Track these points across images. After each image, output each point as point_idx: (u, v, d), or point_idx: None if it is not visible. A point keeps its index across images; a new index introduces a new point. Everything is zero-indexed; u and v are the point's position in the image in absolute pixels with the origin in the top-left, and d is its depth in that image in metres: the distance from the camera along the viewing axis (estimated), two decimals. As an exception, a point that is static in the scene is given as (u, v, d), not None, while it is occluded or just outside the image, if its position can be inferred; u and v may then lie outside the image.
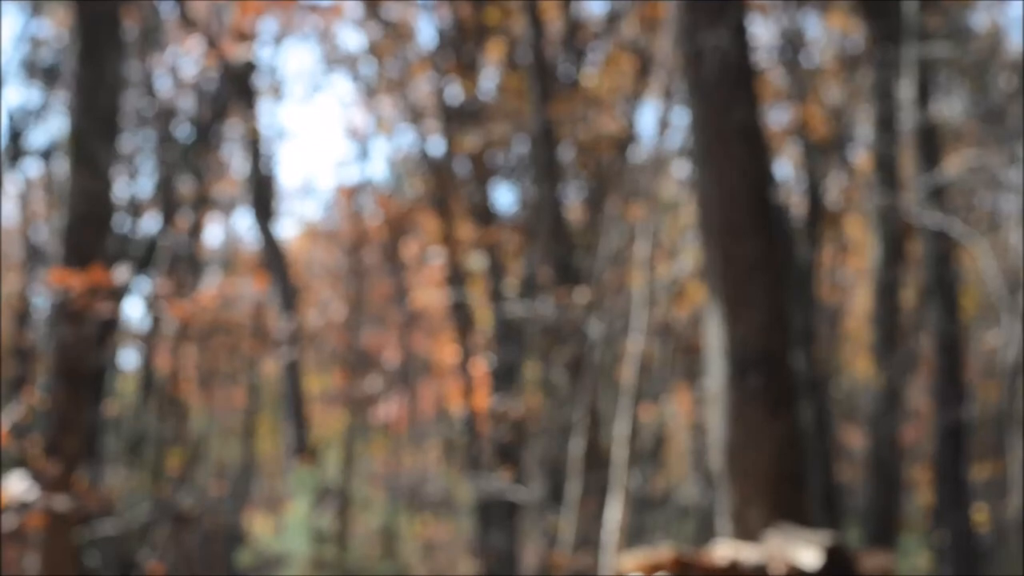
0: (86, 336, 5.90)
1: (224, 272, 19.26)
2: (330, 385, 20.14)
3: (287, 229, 23.39)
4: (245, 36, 13.09)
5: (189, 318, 10.98)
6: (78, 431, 6.17)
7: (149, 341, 16.05)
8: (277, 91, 16.92)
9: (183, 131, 15.85)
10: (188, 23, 13.58)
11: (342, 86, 27.20)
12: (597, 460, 8.08)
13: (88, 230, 6.37)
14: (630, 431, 6.93)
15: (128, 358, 19.14)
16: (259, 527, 11.96)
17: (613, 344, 8.42)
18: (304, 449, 12.29)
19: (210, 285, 16.71)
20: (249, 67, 13.26)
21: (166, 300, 11.65)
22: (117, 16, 6.59)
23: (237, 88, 13.11)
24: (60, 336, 5.73)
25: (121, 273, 6.35)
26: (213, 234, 28.24)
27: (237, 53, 12.81)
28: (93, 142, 6.36)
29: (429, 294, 17.95)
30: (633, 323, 7.22)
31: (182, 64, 15.94)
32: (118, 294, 11.33)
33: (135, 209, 15.51)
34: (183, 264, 16.05)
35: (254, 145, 13.02)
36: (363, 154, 18.37)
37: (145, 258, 14.12)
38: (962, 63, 12.35)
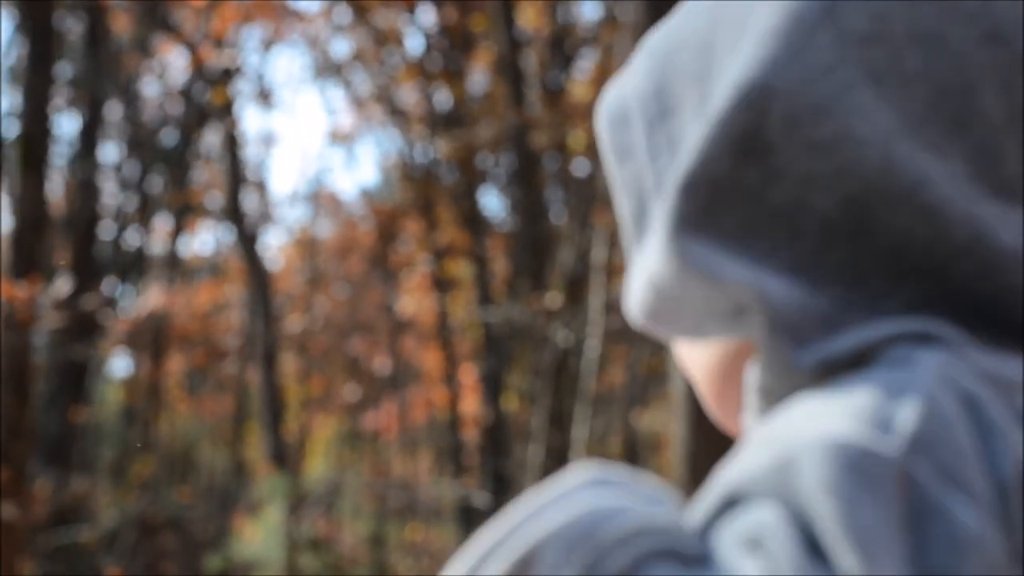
0: (31, 344, 5.85)
1: (214, 279, 19.28)
2: (318, 392, 20.14)
3: (276, 236, 23.46)
4: (226, 43, 13.10)
5: (136, 327, 10.99)
6: (27, 438, 6.14)
7: (136, 349, 16.07)
8: (265, 98, 16.96)
9: (169, 138, 15.87)
10: (168, 29, 13.59)
11: (330, 92, 27.29)
12: (564, 467, 8.04)
13: (37, 236, 6.35)
14: (587, 437, 6.90)
15: (120, 366, 19.19)
16: (247, 534, 11.94)
17: (578, 350, 8.41)
18: (281, 456, 12.27)
19: (190, 293, 16.71)
20: (229, 74, 13.26)
21: (113, 309, 11.66)
22: (99, 25, 6.56)
23: (218, 94, 13.12)
24: (5, 343, 5.72)
25: (64, 282, 6.32)
26: (203, 242, 28.29)
27: (218, 60, 12.82)
28: (42, 148, 6.35)
29: (417, 301, 17.95)
30: (591, 329, 7.21)
31: (168, 71, 15.98)
32: (105, 302, 11.33)
33: (122, 217, 15.54)
34: (161, 271, 16.07)
35: (233, 153, 13.03)
36: (351, 160, 18.38)
37: (128, 266, 14.13)
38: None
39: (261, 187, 18.15)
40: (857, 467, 0.44)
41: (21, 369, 5.87)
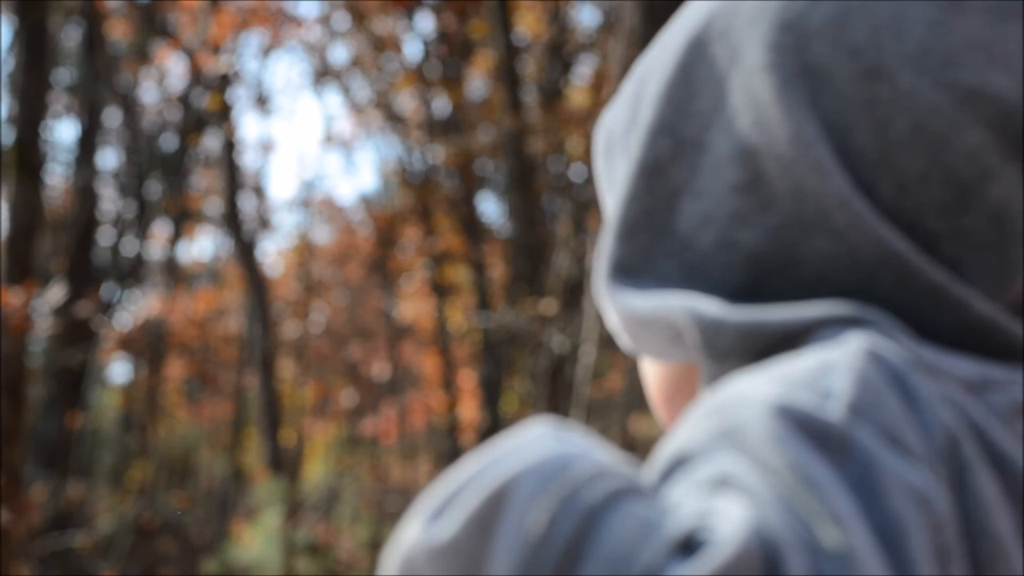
0: (26, 350, 5.84)
1: (212, 286, 19.28)
2: (317, 398, 20.12)
3: (275, 242, 23.47)
4: (224, 49, 13.12)
5: (134, 334, 11.00)
6: (22, 443, 6.15)
7: (135, 355, 16.07)
8: (263, 104, 16.97)
9: (167, 144, 15.88)
10: (167, 35, 13.61)
11: (329, 98, 27.34)
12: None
13: (32, 242, 6.37)
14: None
15: (119, 372, 19.19)
16: (245, 539, 11.95)
17: (574, 356, 8.42)
18: (279, 461, 12.28)
19: (189, 299, 16.71)
20: (227, 80, 13.27)
21: (111, 315, 11.67)
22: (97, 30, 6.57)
23: (215, 100, 13.13)
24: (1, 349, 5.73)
25: (59, 288, 6.33)
26: (202, 248, 28.30)
27: (216, 66, 12.83)
28: (37, 153, 6.36)
29: (416, 306, 17.95)
30: (586, 335, 7.21)
31: (166, 77, 16.00)
32: (103, 308, 11.33)
33: (121, 223, 15.55)
34: (160, 278, 16.05)
35: (231, 159, 13.04)
36: (350, 166, 18.39)
37: (126, 272, 14.14)
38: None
39: (260, 193, 18.17)
40: (802, 427, 0.45)
41: (16, 375, 5.88)
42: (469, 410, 16.25)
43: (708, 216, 0.60)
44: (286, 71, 37.42)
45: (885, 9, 0.59)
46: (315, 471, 20.62)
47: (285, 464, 13.10)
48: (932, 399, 0.49)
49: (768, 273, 0.58)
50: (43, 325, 6.13)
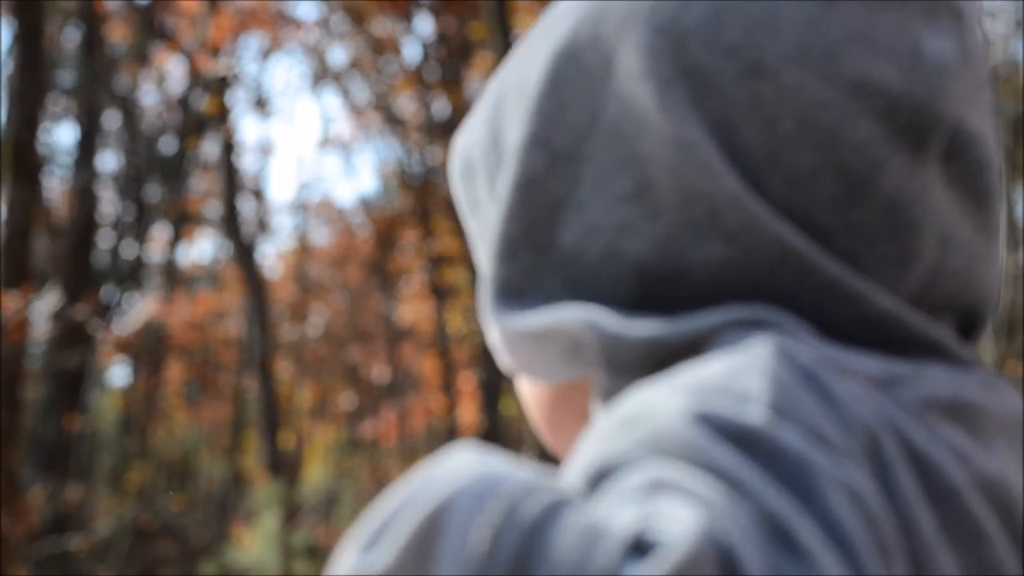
0: (23, 352, 5.85)
1: (213, 288, 19.28)
2: (316, 400, 20.12)
3: (274, 244, 23.43)
4: (223, 51, 13.12)
5: (133, 336, 10.99)
6: (19, 446, 6.15)
7: (134, 358, 16.08)
8: (262, 106, 16.99)
9: (166, 146, 15.90)
10: (165, 38, 13.61)
11: (328, 100, 27.36)
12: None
13: (28, 245, 6.36)
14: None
15: (118, 375, 19.19)
16: (244, 541, 11.95)
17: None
18: (278, 464, 12.28)
19: (188, 302, 16.72)
20: (226, 82, 13.27)
21: (110, 318, 11.67)
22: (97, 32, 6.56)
23: (214, 103, 13.13)
24: (-2, 352, 5.73)
25: (55, 292, 6.33)
26: (201, 250, 28.32)
27: (215, 68, 12.83)
28: (33, 156, 6.37)
29: (416, 309, 17.96)
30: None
31: (165, 79, 16.02)
32: (102, 311, 11.34)
33: (120, 225, 15.56)
34: (159, 280, 16.06)
35: (230, 161, 13.04)
36: (349, 168, 18.39)
37: (125, 275, 14.15)
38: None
39: (259, 196, 18.18)
40: (724, 434, 0.44)
41: (14, 377, 5.87)
42: (469, 413, 16.25)
43: (593, 227, 0.58)
44: (285, 73, 37.53)
45: (759, 6, 0.58)
46: (315, 474, 20.62)
47: (284, 467, 13.11)
48: (848, 397, 0.48)
49: (658, 281, 0.57)
50: (41, 328, 6.13)
